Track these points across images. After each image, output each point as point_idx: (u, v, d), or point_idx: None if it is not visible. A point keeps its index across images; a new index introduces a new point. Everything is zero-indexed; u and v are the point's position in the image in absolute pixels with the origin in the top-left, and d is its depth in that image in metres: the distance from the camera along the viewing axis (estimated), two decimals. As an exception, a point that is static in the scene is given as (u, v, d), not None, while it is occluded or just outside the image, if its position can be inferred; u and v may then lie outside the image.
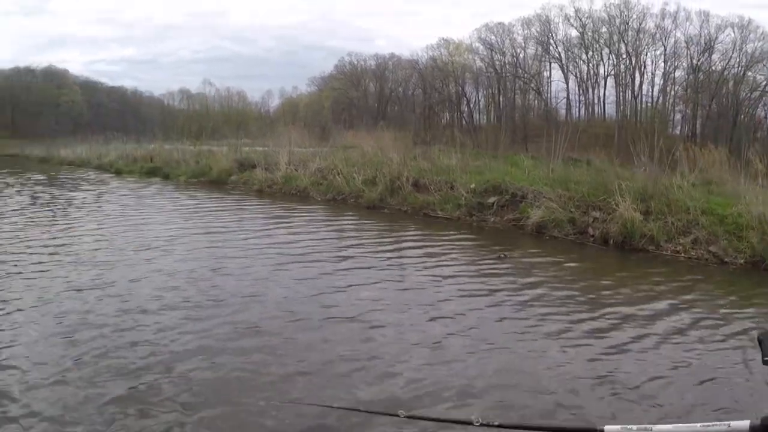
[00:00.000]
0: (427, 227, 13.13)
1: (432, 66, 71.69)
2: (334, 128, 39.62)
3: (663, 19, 57.22)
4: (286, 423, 4.38)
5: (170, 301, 7.36)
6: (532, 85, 65.87)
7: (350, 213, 15.49)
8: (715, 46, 54.11)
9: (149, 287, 8.04)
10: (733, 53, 53.11)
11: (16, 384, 4.95)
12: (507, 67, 66.46)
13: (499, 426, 2.05)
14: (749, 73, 52.56)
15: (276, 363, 5.47)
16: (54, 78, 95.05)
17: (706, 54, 54.73)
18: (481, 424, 2.02)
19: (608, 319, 6.83)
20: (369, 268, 9.40)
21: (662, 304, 7.48)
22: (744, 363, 5.53)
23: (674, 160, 13.22)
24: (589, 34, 60.80)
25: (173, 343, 5.93)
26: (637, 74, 59.97)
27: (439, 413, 4.44)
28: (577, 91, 63.78)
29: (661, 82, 59.59)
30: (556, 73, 65.72)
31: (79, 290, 7.87)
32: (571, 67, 64.32)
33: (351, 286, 8.25)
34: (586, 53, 63.25)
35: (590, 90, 63.33)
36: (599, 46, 61.45)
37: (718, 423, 1.73)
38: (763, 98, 52.54)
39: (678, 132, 55.69)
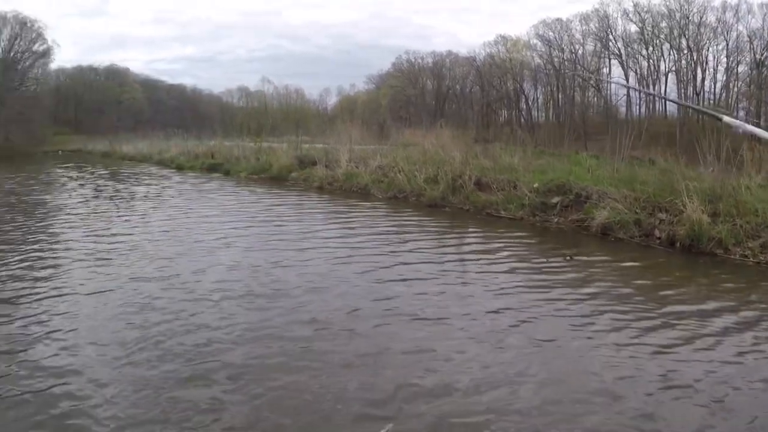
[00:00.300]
0: (489, 226, 13.09)
1: (490, 63, 71.56)
2: (393, 126, 39.60)
3: (724, 12, 56.22)
4: (342, 412, 4.49)
5: (232, 292, 7.59)
6: (592, 81, 65.05)
7: (411, 211, 15.53)
8: (779, 40, 52.86)
9: (211, 278, 8.31)
10: (798, 48, 51.85)
11: (81, 366, 5.20)
12: (566, 63, 65.77)
13: None
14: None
15: (335, 353, 5.61)
16: (116, 76, 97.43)
17: (770, 48, 53.50)
18: None
19: (672, 321, 6.73)
20: (429, 264, 9.45)
21: (728, 308, 7.31)
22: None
23: (740, 160, 12.95)
24: (649, 29, 60.00)
25: (234, 332, 6.15)
26: (699, 70, 58.91)
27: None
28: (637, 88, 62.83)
29: (724, 77, 58.42)
30: (616, 70, 64.87)
31: (143, 280, 8.19)
32: (631, 63, 63.43)
33: (411, 281, 8.33)
34: (647, 48, 62.30)
35: (651, 86, 62.31)
36: (659, 41, 60.47)
37: None
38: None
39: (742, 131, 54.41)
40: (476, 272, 9.06)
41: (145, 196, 19.45)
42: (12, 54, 75.15)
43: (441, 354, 5.68)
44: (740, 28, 55.86)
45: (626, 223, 11.40)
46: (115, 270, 8.69)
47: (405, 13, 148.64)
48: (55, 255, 9.99)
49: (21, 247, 10.56)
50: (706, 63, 58.95)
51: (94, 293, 7.53)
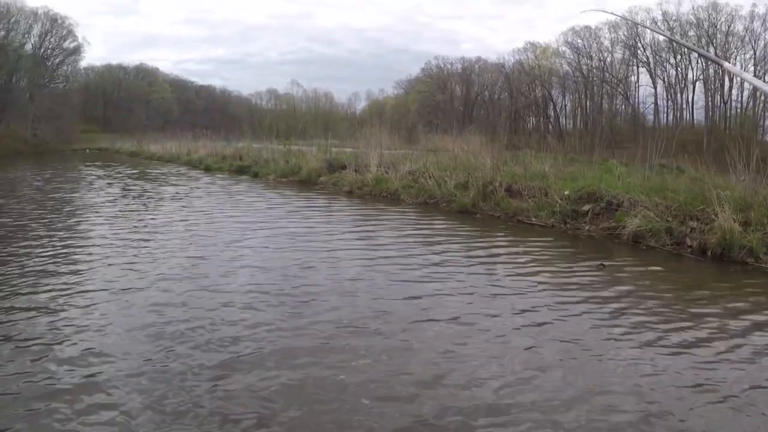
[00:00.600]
0: (520, 233, 13.15)
1: (518, 70, 71.44)
2: (422, 131, 39.66)
3: (752, 21, 56.03)
4: (372, 422, 4.53)
5: (261, 296, 7.63)
6: (620, 89, 64.88)
7: (441, 217, 15.62)
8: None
9: (240, 281, 8.39)
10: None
11: (108, 370, 5.23)
12: (594, 71, 65.65)
13: None
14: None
15: (365, 361, 5.64)
16: (145, 75, 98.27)
17: (797, 57, 53.21)
18: None
19: (702, 326, 6.85)
20: (460, 271, 9.49)
21: (757, 314, 7.45)
22: None
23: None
24: (677, 37, 59.61)
25: (263, 337, 6.17)
26: (726, 78, 58.55)
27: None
28: (665, 96, 62.61)
29: (751, 86, 58.01)
30: (644, 77, 64.66)
31: (171, 281, 8.29)
32: (659, 72, 63.18)
33: (442, 287, 8.35)
34: (674, 57, 62.04)
35: (678, 95, 62.06)
36: (688, 49, 60.17)
37: None
38: None
39: (768, 139, 54.22)
40: (506, 276, 9.16)
41: (173, 197, 19.63)
42: (42, 50, 75.50)
43: (470, 354, 5.80)
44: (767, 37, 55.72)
45: (658, 231, 11.49)
46: (144, 273, 8.72)
47: (432, 19, 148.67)
48: (83, 253, 10.17)
49: (48, 246, 10.67)
50: (734, 71, 58.52)
51: (123, 291, 7.63)
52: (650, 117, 64.26)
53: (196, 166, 34.92)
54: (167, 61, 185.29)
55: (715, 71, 58.50)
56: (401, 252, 10.77)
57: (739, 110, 58.08)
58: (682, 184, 13.06)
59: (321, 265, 9.58)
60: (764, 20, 55.37)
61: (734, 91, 58.53)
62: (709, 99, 59.60)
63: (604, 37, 65.76)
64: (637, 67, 65.43)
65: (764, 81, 51.99)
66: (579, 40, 66.86)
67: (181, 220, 14.18)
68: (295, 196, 20.39)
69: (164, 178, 28.04)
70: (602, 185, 13.99)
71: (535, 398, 4.93)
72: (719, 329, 6.83)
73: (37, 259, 9.48)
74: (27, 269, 8.81)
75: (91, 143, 71.43)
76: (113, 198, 19.07)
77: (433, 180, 18.10)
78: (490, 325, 6.80)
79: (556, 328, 6.74)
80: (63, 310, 6.85)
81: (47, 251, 10.19)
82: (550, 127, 67.97)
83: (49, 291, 7.62)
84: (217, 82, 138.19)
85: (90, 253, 10.11)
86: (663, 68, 63.42)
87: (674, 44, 59.81)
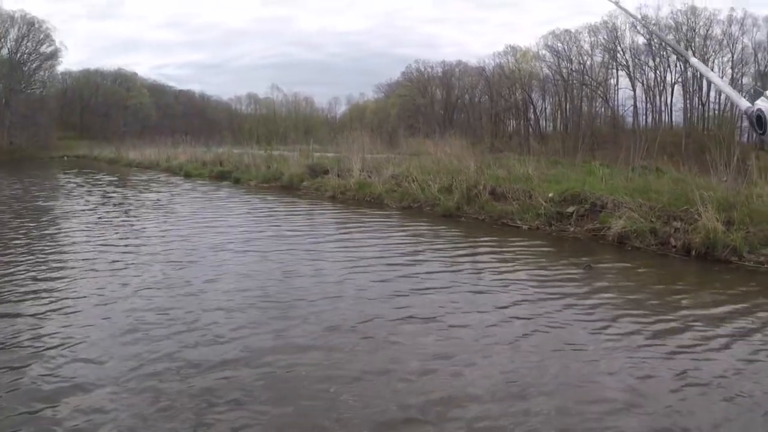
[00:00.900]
0: (504, 236, 13.12)
1: (499, 73, 71.61)
2: (403, 135, 39.65)
3: (730, 25, 56.59)
4: (355, 421, 4.54)
5: (245, 301, 7.64)
6: (599, 92, 65.26)
7: (426, 220, 15.59)
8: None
9: (224, 287, 8.37)
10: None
11: (93, 378, 5.17)
12: (574, 74, 65.98)
13: None
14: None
15: (350, 361, 5.68)
16: (123, 80, 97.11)
17: (773, 60, 53.85)
18: None
19: (689, 323, 6.96)
20: (445, 272, 9.58)
21: (741, 311, 7.58)
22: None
23: (746, 170, 13.10)
24: (656, 41, 59.99)
25: (248, 341, 6.18)
26: (705, 81, 59.02)
27: None
28: (644, 99, 63.04)
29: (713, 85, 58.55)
30: (623, 80, 65.08)
31: (154, 289, 8.24)
32: (638, 74, 63.61)
33: (425, 289, 8.43)
34: (654, 60, 62.49)
35: (657, 97, 62.54)
36: (666, 53, 60.61)
37: None
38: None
39: (746, 140, 54.71)
40: (493, 280, 9.16)
41: (154, 204, 19.55)
42: (18, 55, 74.10)
43: (459, 359, 5.77)
44: (745, 40, 56.39)
45: (642, 232, 11.54)
46: (126, 281, 8.64)
47: (414, 22, 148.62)
48: (64, 263, 10.04)
49: (29, 255, 10.56)
50: (712, 74, 59.08)
51: (105, 302, 7.53)
52: (629, 119, 64.74)
53: (176, 172, 34.53)
54: (145, 66, 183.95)
55: (693, 74, 58.95)
56: (387, 256, 10.74)
57: (717, 112, 58.51)
58: (665, 185, 13.16)
59: (305, 269, 9.59)
60: (742, 24, 56.01)
61: (712, 94, 59.02)
62: (688, 101, 60.06)
63: (584, 41, 66.15)
64: (617, 70, 65.85)
65: (736, 84, 52.37)
66: (559, 44, 67.10)
67: (163, 227, 14.13)
68: (277, 202, 20.29)
69: (144, 185, 27.88)
70: (586, 187, 14.02)
71: (518, 391, 5.00)
72: (704, 324, 6.94)
73: (19, 268, 9.40)
74: (8, 278, 8.73)
75: (68, 150, 70.48)
76: (94, 206, 18.87)
77: (416, 184, 18.04)
78: (474, 322, 6.87)
79: (540, 324, 6.81)
80: (46, 318, 6.81)
81: (29, 259, 10.13)
82: (531, 129, 68.27)
83: (32, 299, 7.58)
84: (196, 87, 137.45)
85: (70, 263, 9.99)
86: (642, 71, 63.81)
87: (653, 47, 60.16)
